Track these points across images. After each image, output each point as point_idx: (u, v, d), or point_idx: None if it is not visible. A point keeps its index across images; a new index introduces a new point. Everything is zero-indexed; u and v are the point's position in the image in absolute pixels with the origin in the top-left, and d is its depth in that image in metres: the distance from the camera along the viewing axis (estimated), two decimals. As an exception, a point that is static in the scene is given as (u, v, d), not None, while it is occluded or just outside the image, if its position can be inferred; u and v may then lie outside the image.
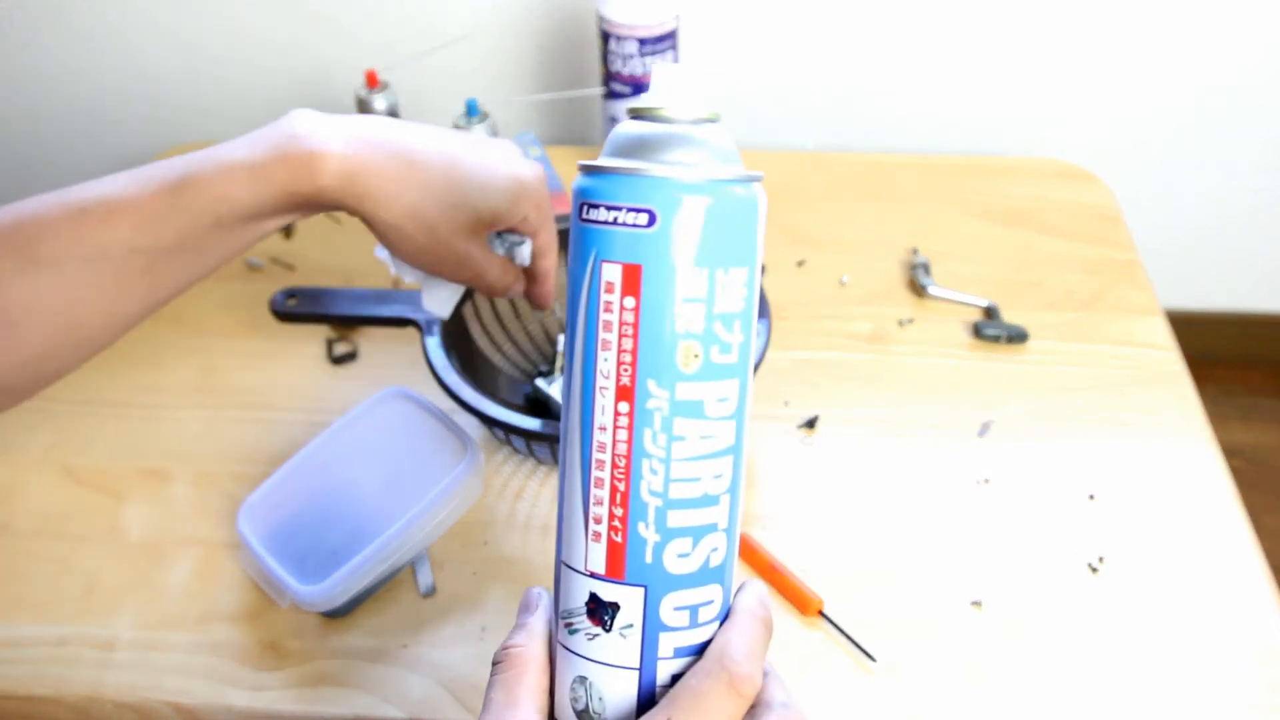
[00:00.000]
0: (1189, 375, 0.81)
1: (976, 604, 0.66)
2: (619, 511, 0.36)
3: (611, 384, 0.36)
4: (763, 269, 0.90)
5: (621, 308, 0.35)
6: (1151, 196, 1.26)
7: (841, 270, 0.91)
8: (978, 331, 0.84)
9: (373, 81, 0.94)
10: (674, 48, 0.90)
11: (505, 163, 0.57)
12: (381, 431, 0.69)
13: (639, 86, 0.91)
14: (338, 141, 0.51)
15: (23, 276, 0.47)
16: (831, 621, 0.65)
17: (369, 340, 0.86)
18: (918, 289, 0.89)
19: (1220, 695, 0.61)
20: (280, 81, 1.19)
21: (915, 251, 0.93)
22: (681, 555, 0.36)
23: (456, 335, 0.73)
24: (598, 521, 0.36)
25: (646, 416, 0.35)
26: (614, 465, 0.36)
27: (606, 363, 0.36)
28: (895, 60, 1.14)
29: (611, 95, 0.93)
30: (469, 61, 1.15)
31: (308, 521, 0.66)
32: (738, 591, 0.39)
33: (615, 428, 0.36)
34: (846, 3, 1.10)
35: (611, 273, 0.35)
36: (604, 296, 0.35)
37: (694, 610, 0.37)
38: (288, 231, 0.97)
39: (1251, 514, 0.72)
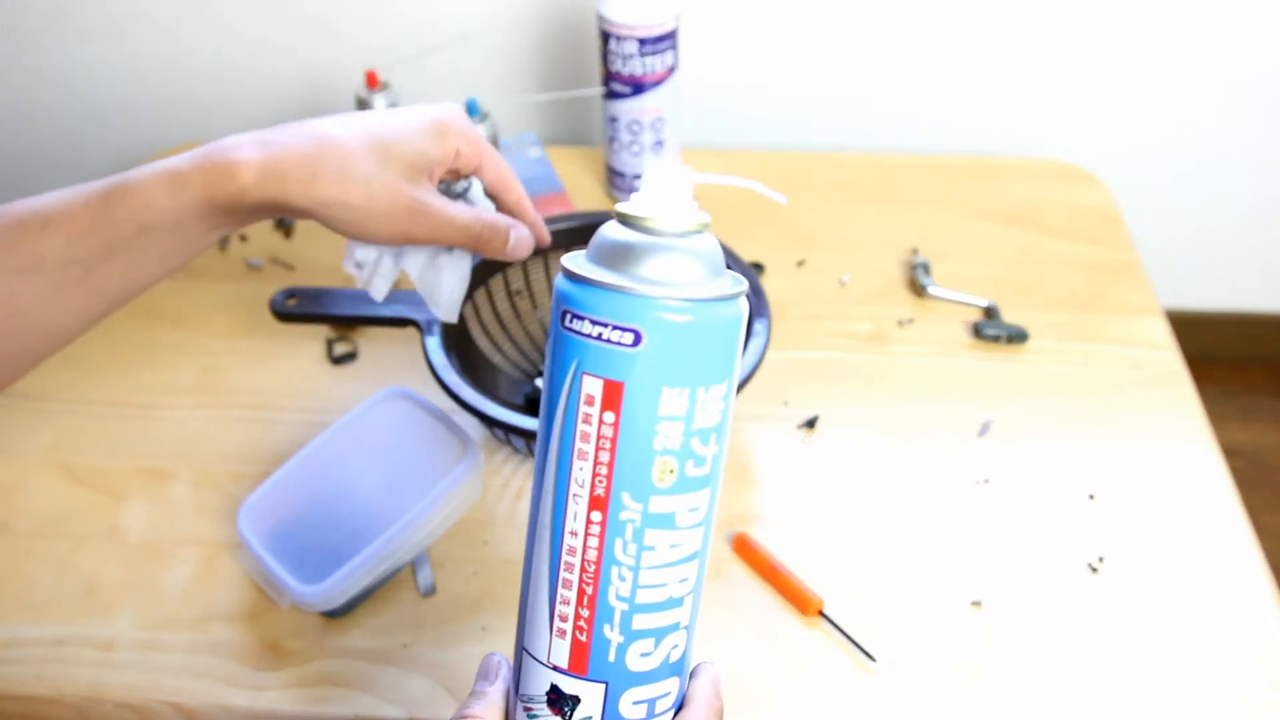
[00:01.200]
0: (1189, 375, 0.81)
1: (976, 604, 0.66)
2: (585, 613, 0.37)
3: (585, 493, 0.36)
4: (762, 267, 0.91)
5: (600, 421, 0.35)
6: (1152, 197, 1.26)
7: (841, 270, 0.91)
8: (978, 331, 0.84)
9: (373, 82, 0.95)
10: (674, 48, 0.90)
11: (417, 111, 0.57)
12: (381, 431, 0.69)
13: (639, 86, 0.91)
14: (253, 146, 0.52)
15: None
16: (831, 621, 0.65)
17: (369, 340, 0.86)
18: (918, 289, 0.89)
19: (1219, 694, 0.61)
20: (280, 82, 1.19)
21: (915, 251, 0.93)
22: (644, 655, 0.37)
23: (456, 335, 0.73)
24: (563, 620, 0.37)
25: (618, 527, 0.36)
26: (583, 569, 0.36)
27: (582, 472, 0.36)
28: (895, 60, 1.14)
29: (611, 95, 0.93)
30: (469, 61, 1.15)
31: (308, 521, 0.66)
32: (692, 675, 0.40)
33: (586, 534, 0.36)
34: (847, 3, 1.10)
35: (593, 386, 0.35)
36: (583, 408, 0.35)
37: (652, 703, 0.38)
38: (288, 231, 0.97)
39: (1251, 514, 0.72)
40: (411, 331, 0.75)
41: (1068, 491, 0.73)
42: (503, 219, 0.59)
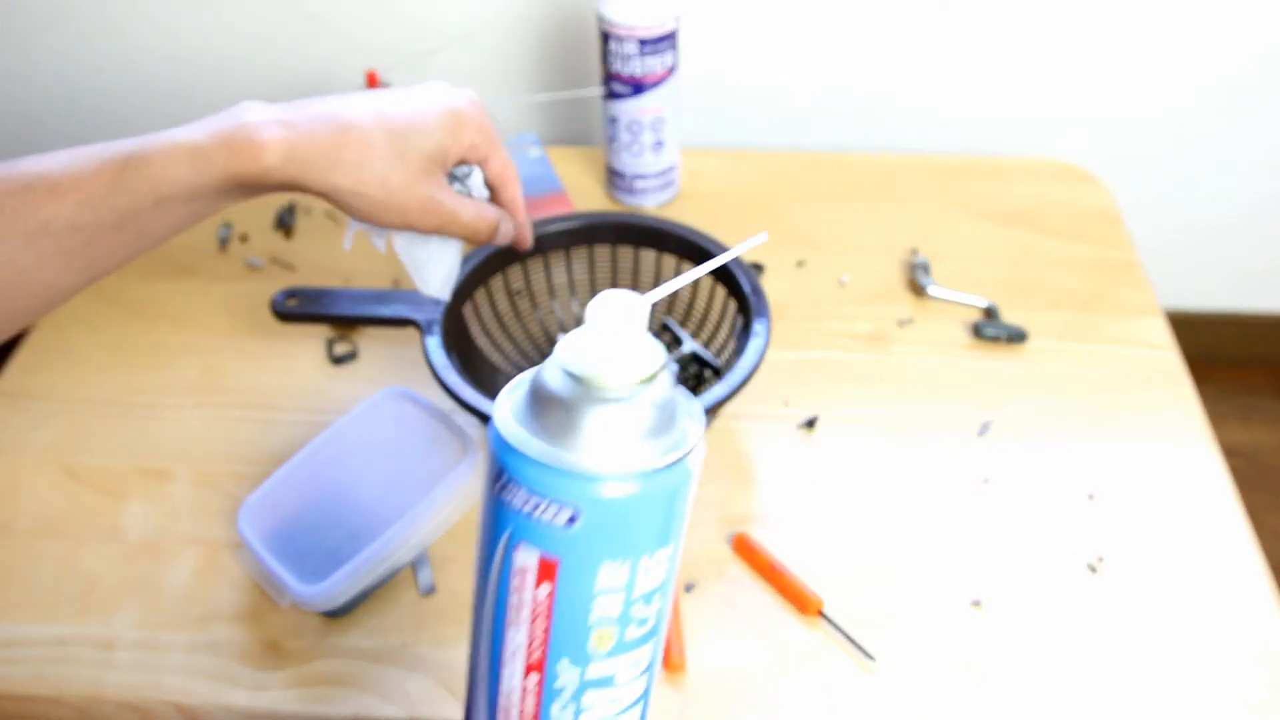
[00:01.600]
0: (1188, 375, 0.81)
1: (976, 604, 0.66)
2: None
3: (520, 657, 0.34)
4: (762, 267, 0.91)
5: (535, 595, 0.33)
6: (1151, 197, 1.26)
7: (841, 270, 0.91)
8: (978, 331, 0.84)
9: (373, 82, 0.94)
10: (674, 48, 0.90)
11: (436, 99, 0.58)
12: (381, 431, 0.69)
13: (639, 86, 0.91)
14: (277, 126, 0.53)
15: None
16: (831, 621, 0.65)
17: (369, 340, 0.86)
18: (918, 289, 0.89)
19: (1220, 695, 0.61)
20: (280, 81, 1.19)
21: (915, 251, 0.93)
22: None
23: (456, 335, 0.73)
24: None
25: (555, 692, 0.34)
26: None
27: (515, 638, 0.34)
28: (895, 60, 1.14)
29: (611, 95, 0.93)
30: (469, 62, 1.15)
31: (308, 521, 0.66)
32: None
33: (523, 694, 0.34)
34: (847, 3, 1.10)
35: (526, 559, 0.33)
36: (515, 578, 0.33)
37: None
38: (288, 232, 0.97)
39: (1251, 514, 0.72)
40: (411, 331, 0.75)
41: (1067, 491, 0.73)
42: (493, 215, 0.61)
